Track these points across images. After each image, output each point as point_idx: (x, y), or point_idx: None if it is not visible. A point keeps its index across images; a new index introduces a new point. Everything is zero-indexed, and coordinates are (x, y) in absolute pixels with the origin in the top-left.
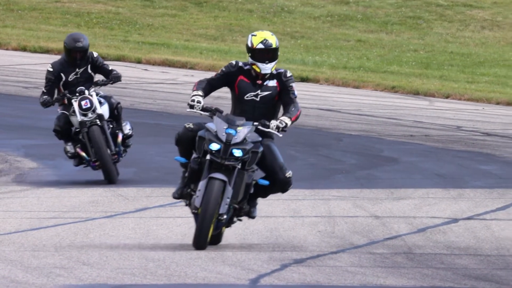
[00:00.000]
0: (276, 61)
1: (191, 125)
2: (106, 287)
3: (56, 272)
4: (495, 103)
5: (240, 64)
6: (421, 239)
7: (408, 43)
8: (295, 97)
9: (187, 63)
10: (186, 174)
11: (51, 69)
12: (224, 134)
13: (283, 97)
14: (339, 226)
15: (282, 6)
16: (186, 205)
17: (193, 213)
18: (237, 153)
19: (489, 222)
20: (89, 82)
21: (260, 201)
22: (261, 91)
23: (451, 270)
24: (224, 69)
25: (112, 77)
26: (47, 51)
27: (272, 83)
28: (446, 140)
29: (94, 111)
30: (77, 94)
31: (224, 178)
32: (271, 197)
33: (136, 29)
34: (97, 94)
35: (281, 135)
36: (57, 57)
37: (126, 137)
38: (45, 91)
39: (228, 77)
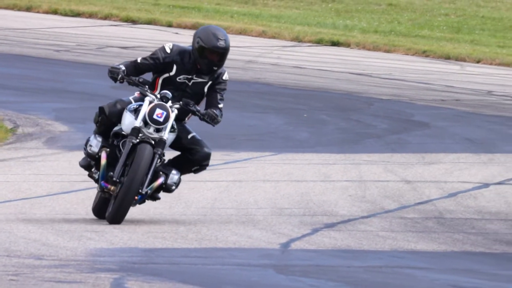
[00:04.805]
0: None
1: None
2: (137, 251)
3: (87, 236)
4: None
5: None
6: (452, 204)
7: (439, 7)
8: None
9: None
10: None
11: (169, 51)
12: None
13: None
14: (370, 190)
15: None
16: None
17: None
18: None
19: None
20: (194, 99)
21: (290, 165)
22: None
23: (482, 235)
24: None
25: (208, 115)
26: (78, 14)
27: None
28: (477, 104)
29: (159, 130)
30: (158, 97)
31: None
32: (302, 161)
33: None
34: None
35: None
36: (91, 21)
37: (165, 188)
38: (138, 61)
39: None
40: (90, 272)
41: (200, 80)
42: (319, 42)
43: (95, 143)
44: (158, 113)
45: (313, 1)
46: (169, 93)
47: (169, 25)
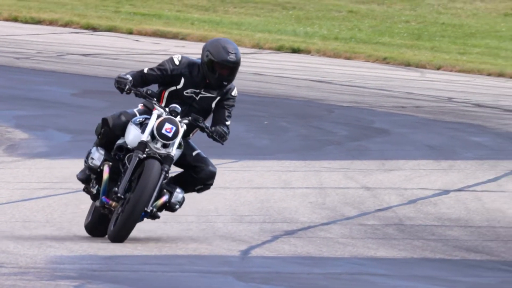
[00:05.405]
0: None
1: None
2: (97, 258)
3: (47, 243)
4: (486, 74)
5: None
6: (412, 211)
7: (399, 14)
8: None
9: (179, 34)
10: None
11: (177, 63)
12: None
13: None
14: (330, 197)
15: None
16: None
17: None
18: None
19: (480, 193)
20: (201, 114)
21: (251, 172)
22: None
23: (441, 241)
24: None
25: (217, 132)
26: (38, 22)
27: None
28: (437, 111)
29: (166, 146)
30: (167, 110)
31: None
32: (263, 168)
33: (127, 0)
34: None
35: None
36: (51, 29)
37: (168, 206)
38: (144, 71)
39: None
40: (50, 280)
41: (208, 95)
42: (280, 49)
43: (97, 156)
44: (167, 128)
45: (273, 8)
46: (178, 107)
47: (130, 32)
